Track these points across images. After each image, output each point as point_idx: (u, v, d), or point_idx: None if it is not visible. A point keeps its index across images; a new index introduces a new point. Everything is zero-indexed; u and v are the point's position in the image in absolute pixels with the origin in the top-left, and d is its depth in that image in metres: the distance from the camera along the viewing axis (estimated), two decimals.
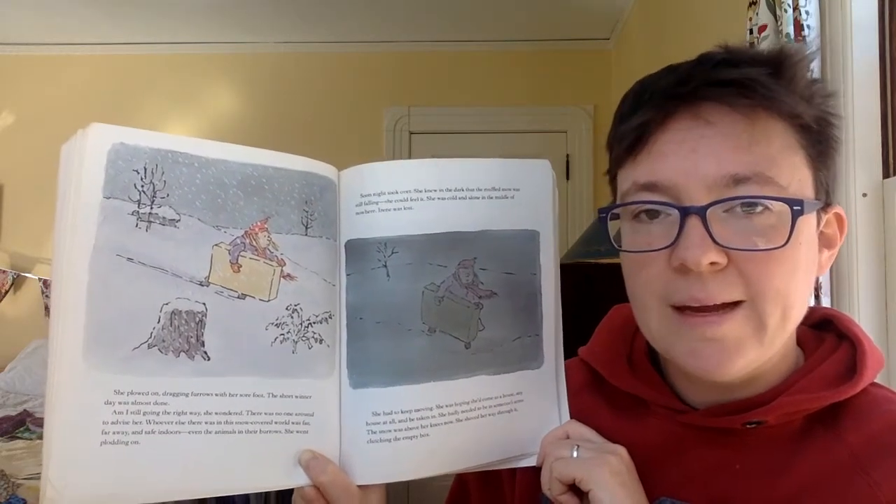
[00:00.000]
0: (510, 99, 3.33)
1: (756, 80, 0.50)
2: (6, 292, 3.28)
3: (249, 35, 3.29)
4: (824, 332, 0.62)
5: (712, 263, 0.50)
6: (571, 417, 0.61)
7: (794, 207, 0.49)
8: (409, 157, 3.33)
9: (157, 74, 3.43)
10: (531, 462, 0.61)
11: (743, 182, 0.50)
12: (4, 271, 3.29)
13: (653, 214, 0.53)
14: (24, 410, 2.65)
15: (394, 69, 3.38)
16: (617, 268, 0.60)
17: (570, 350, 0.67)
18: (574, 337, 0.70)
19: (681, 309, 0.52)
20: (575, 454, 0.55)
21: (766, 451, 0.55)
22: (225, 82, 3.44)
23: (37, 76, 3.45)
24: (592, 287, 1.54)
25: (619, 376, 0.63)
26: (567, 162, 3.29)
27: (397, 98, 3.36)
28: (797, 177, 0.51)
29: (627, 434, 0.59)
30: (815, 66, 1.13)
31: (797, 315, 0.54)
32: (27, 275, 3.31)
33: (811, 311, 0.62)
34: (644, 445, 0.59)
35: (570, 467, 0.54)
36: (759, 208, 0.50)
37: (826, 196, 0.54)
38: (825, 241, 0.56)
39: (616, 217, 0.57)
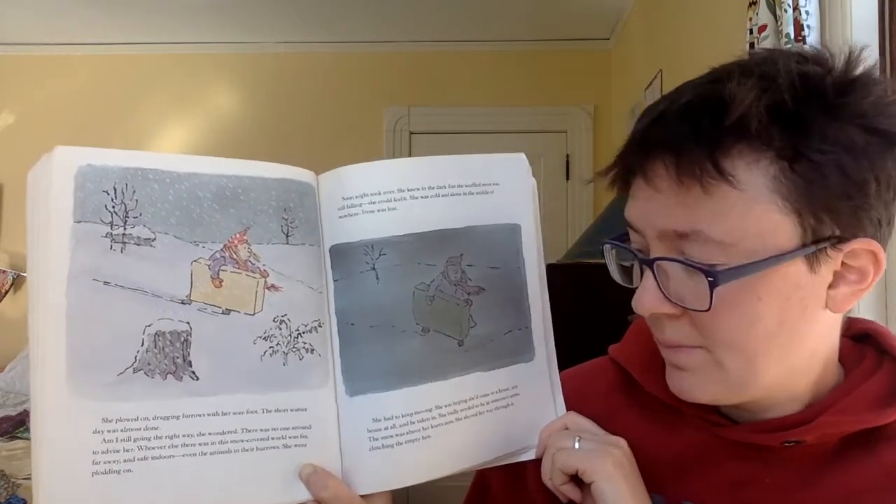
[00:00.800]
0: (510, 99, 3.32)
1: (682, 144, 0.47)
2: (6, 292, 3.28)
3: (249, 35, 3.28)
4: (865, 345, 0.59)
5: (667, 314, 0.51)
6: (599, 418, 0.60)
7: (709, 278, 0.47)
8: (410, 157, 3.33)
9: (157, 74, 3.43)
10: (531, 455, 0.60)
11: (683, 238, 0.49)
12: (4, 271, 3.29)
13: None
14: (24, 410, 2.65)
15: (394, 69, 3.38)
16: None
17: (568, 349, 0.66)
18: (573, 336, 0.70)
19: None
20: (577, 445, 0.55)
21: (800, 467, 0.54)
22: (225, 82, 3.44)
23: (37, 76, 3.45)
24: (592, 287, 1.53)
25: (656, 384, 0.61)
26: (567, 162, 3.28)
27: (397, 98, 3.36)
28: (754, 231, 0.47)
29: (657, 439, 0.58)
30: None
31: (774, 363, 0.51)
32: (27, 275, 3.31)
33: (850, 322, 0.61)
34: (673, 451, 0.58)
35: (572, 458, 0.54)
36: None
37: (837, 231, 0.48)
38: (855, 275, 0.50)
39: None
